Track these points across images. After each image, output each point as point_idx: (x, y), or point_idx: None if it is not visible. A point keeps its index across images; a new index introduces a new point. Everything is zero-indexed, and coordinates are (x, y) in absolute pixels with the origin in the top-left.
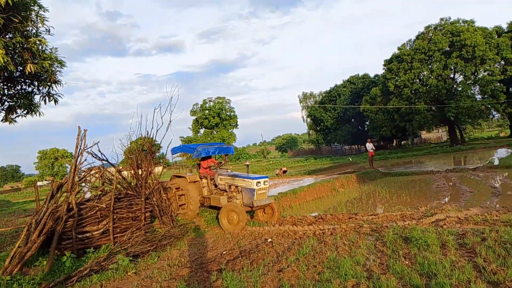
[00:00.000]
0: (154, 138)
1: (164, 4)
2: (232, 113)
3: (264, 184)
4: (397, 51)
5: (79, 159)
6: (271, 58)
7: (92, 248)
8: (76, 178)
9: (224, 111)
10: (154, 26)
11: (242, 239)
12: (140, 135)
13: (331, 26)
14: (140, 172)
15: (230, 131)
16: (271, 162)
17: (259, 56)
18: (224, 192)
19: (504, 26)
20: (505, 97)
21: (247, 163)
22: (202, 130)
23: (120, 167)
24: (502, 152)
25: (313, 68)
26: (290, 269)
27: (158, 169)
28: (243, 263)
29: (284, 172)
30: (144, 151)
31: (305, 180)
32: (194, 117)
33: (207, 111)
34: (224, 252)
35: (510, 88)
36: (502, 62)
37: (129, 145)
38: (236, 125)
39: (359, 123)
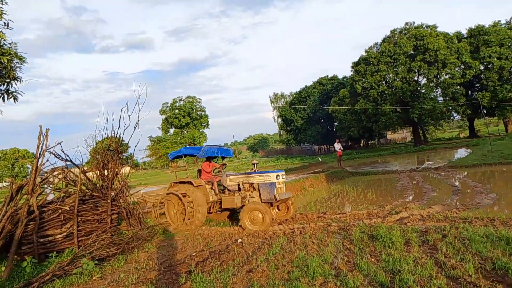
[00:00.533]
0: (121, 138)
1: (131, 0)
2: (203, 113)
3: (282, 178)
4: (364, 54)
5: (40, 159)
6: (242, 57)
7: (55, 252)
8: (38, 180)
9: (194, 111)
10: (121, 22)
11: (212, 240)
12: (106, 135)
13: (301, 27)
14: (106, 173)
15: (201, 130)
16: (243, 162)
17: (231, 56)
18: (235, 193)
19: (464, 32)
20: (465, 99)
21: (255, 161)
22: (172, 130)
23: (85, 168)
24: (462, 152)
25: (284, 69)
26: (260, 269)
27: (125, 170)
28: (212, 264)
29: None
30: (110, 151)
31: None
32: (163, 117)
33: (177, 110)
34: (193, 254)
35: (469, 91)
36: (462, 66)
37: (94, 145)
38: (207, 124)
39: (328, 123)
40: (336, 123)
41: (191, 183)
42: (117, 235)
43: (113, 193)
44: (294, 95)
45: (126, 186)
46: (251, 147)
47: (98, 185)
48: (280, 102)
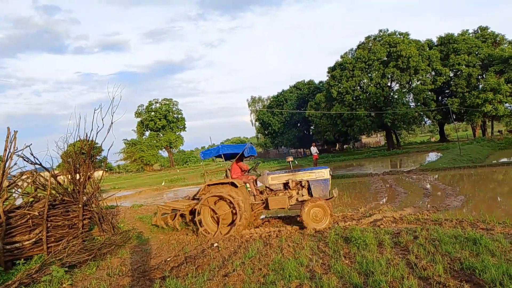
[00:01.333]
0: (94, 141)
1: (106, 0)
2: (179, 115)
3: (330, 173)
4: (340, 59)
5: (8, 162)
6: (220, 61)
7: (22, 259)
8: (5, 184)
9: (171, 113)
10: (96, 23)
11: (187, 245)
12: (78, 138)
13: (278, 32)
14: (78, 177)
15: (177, 133)
16: (221, 166)
17: (208, 59)
18: (278, 192)
19: (434, 40)
20: (435, 105)
21: (290, 159)
22: (147, 133)
23: (56, 172)
24: (432, 156)
25: (261, 73)
26: (235, 273)
27: (98, 174)
28: (188, 269)
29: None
30: (83, 154)
31: None
32: (139, 119)
33: (153, 113)
34: (168, 259)
35: (440, 97)
36: (433, 73)
37: (66, 148)
38: (184, 127)
39: (304, 127)
40: (312, 127)
41: (234, 184)
42: (89, 240)
43: (85, 198)
44: (272, 99)
45: (98, 190)
46: None
47: (69, 189)
48: (257, 106)
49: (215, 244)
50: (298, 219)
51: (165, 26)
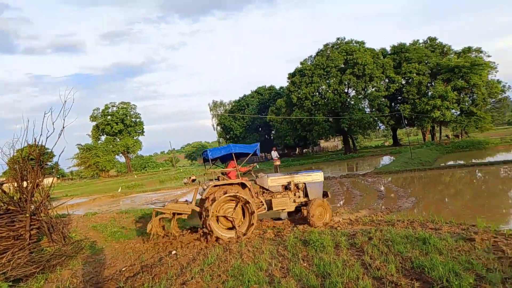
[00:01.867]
0: (44, 146)
1: (61, 0)
2: (137, 119)
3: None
4: (299, 66)
5: None
6: (181, 64)
7: None
8: None
9: (128, 117)
10: (49, 23)
11: (144, 253)
12: (26, 143)
13: (239, 37)
14: (25, 185)
15: (135, 138)
16: (181, 171)
17: (169, 62)
18: (277, 194)
19: (388, 49)
20: (389, 110)
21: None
22: (103, 137)
23: (1, 179)
24: (386, 159)
25: (223, 77)
26: (194, 281)
27: (48, 181)
28: (144, 279)
29: (193, 181)
30: (31, 160)
31: None
32: (94, 123)
33: (109, 117)
34: (123, 269)
35: (393, 103)
36: (387, 80)
37: (13, 154)
38: (142, 132)
39: (266, 132)
40: (273, 132)
41: (243, 185)
42: (37, 252)
43: (32, 207)
44: (233, 104)
45: (48, 198)
46: (189, 155)
47: (15, 198)
48: (219, 110)
49: (173, 252)
50: (301, 215)
51: (124, 28)
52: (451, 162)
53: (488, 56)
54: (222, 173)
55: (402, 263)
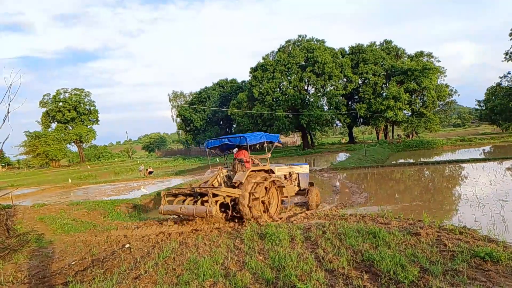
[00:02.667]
0: None
1: None
2: (92, 107)
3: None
4: (262, 61)
5: None
6: (139, 52)
7: None
8: None
9: (82, 105)
10: None
11: (95, 247)
12: None
13: (201, 28)
14: None
15: (89, 127)
16: (138, 162)
17: (126, 49)
18: (285, 182)
19: (347, 49)
20: (346, 109)
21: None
22: (54, 125)
23: None
24: (342, 156)
25: (183, 67)
26: (147, 275)
27: None
28: (95, 273)
29: (150, 173)
30: None
31: (172, 181)
32: (44, 109)
33: (61, 104)
34: (73, 263)
35: (350, 102)
36: (344, 79)
37: None
38: (97, 120)
39: (227, 125)
40: (234, 125)
41: (272, 171)
42: None
43: None
44: (194, 95)
45: None
46: (146, 147)
47: None
48: (179, 101)
49: (127, 245)
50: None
51: (78, 10)
52: (401, 160)
53: (438, 61)
54: (239, 160)
55: (354, 256)
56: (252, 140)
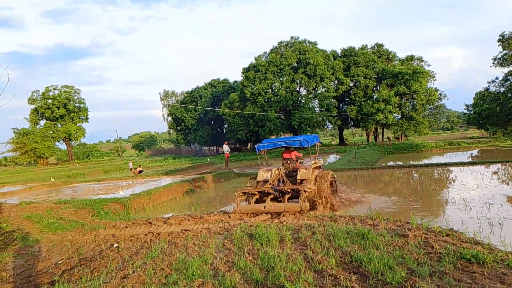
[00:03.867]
0: None
1: None
2: (82, 105)
3: None
4: (254, 61)
5: None
6: (130, 50)
7: None
8: None
9: (72, 102)
10: None
11: (83, 246)
12: None
13: (193, 27)
14: None
15: (78, 124)
16: (128, 161)
17: (117, 47)
18: None
19: (339, 51)
20: (337, 111)
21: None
22: (42, 122)
23: None
24: (332, 158)
25: (175, 66)
26: (135, 274)
27: None
28: (82, 272)
29: (140, 172)
30: None
31: (162, 181)
32: (33, 106)
33: (50, 100)
34: (59, 262)
35: (341, 104)
36: (336, 82)
37: None
38: (87, 118)
39: (218, 125)
40: (226, 126)
41: (320, 167)
42: None
43: None
44: (186, 95)
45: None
46: (137, 146)
47: None
48: (170, 101)
49: (115, 245)
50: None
51: (68, 6)
52: (391, 163)
53: (428, 65)
54: (290, 160)
55: (342, 257)
56: (311, 142)
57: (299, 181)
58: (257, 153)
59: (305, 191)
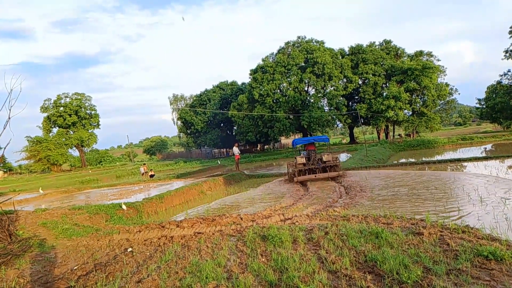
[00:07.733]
0: None
1: None
2: (93, 112)
3: None
4: (261, 62)
5: None
6: (138, 56)
7: None
8: None
9: (83, 109)
10: None
11: (98, 251)
12: None
13: (200, 32)
14: None
15: (90, 131)
16: (138, 166)
17: (126, 53)
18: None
19: (346, 50)
20: (346, 109)
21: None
22: (55, 130)
23: None
24: (343, 156)
25: (183, 71)
26: (150, 278)
27: None
28: (97, 277)
29: (152, 176)
30: None
31: (173, 184)
32: (45, 114)
33: (62, 108)
34: (75, 267)
35: (350, 102)
36: (344, 80)
37: None
38: (98, 125)
39: (227, 127)
40: (235, 128)
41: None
42: None
43: None
44: (195, 98)
45: None
46: (148, 150)
47: None
48: (180, 104)
49: (129, 249)
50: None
51: (77, 16)
52: (403, 160)
53: (438, 60)
54: (313, 151)
55: (356, 256)
56: (326, 140)
57: (325, 161)
58: (294, 147)
59: (336, 165)
